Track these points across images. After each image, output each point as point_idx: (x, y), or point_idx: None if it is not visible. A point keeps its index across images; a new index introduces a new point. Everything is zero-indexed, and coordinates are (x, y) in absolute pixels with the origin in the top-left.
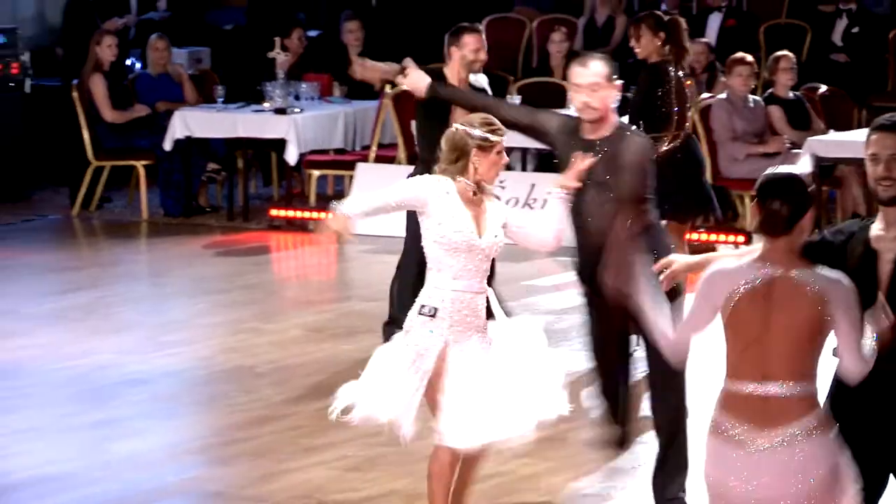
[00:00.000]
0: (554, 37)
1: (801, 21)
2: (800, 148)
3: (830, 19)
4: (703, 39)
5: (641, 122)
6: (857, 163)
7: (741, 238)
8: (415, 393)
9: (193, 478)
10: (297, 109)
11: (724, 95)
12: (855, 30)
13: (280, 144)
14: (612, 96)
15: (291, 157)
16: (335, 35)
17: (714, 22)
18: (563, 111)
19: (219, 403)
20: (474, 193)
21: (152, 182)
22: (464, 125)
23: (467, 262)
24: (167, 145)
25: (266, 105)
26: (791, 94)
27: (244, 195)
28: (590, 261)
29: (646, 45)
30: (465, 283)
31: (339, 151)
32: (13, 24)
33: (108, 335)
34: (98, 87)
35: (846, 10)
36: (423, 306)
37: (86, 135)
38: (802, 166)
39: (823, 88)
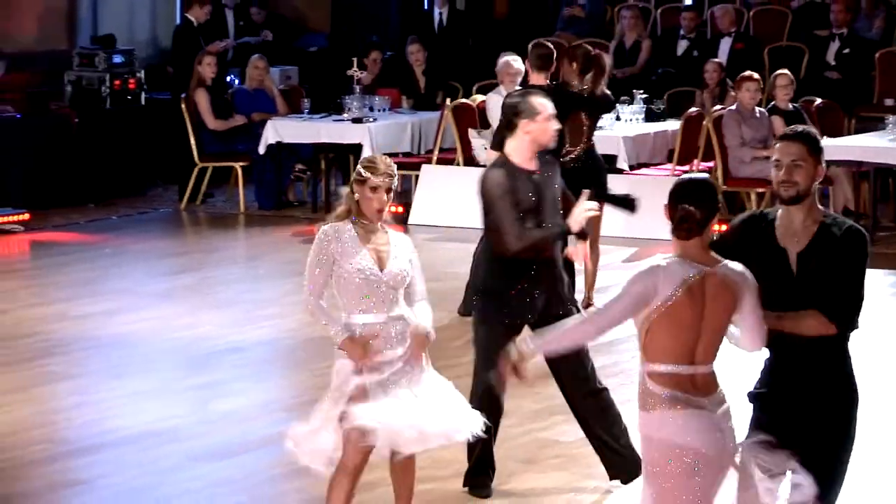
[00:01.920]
0: None
1: (799, 43)
2: None
3: (825, 42)
4: (716, 59)
5: None
6: (847, 164)
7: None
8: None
9: (282, 431)
10: (371, 119)
11: (733, 107)
12: (846, 51)
13: (357, 148)
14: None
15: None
16: (403, 56)
17: (725, 45)
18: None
19: (303, 368)
20: (368, 230)
21: (248, 180)
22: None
23: (372, 295)
24: (261, 149)
25: (345, 115)
26: (791, 106)
27: (326, 191)
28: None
29: (568, 73)
30: (372, 316)
31: (406, 154)
32: (131, 46)
33: (210, 310)
34: (202, 100)
35: (839, 33)
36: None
37: (192, 140)
38: None
39: (818, 101)
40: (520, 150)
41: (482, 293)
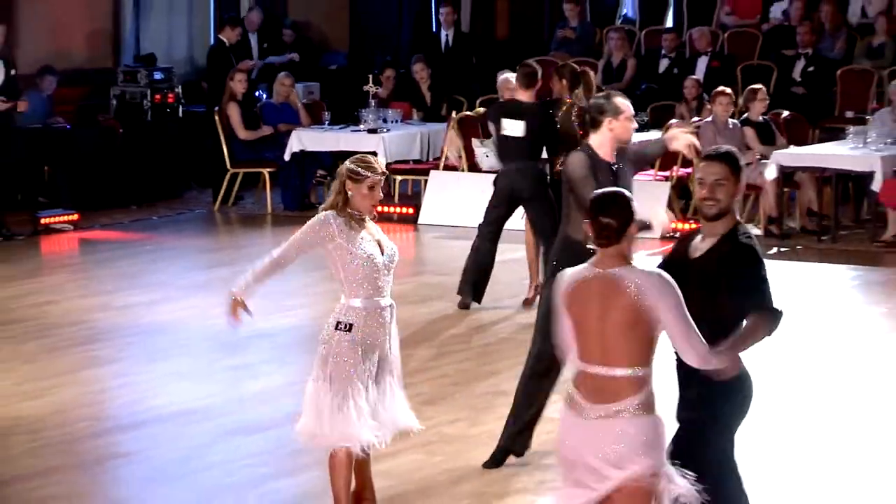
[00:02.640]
0: None
1: (769, 62)
2: (767, 159)
3: (791, 61)
4: (694, 76)
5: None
6: (811, 170)
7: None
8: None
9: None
10: (385, 129)
11: (709, 119)
12: (811, 69)
13: (372, 155)
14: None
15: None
16: (412, 73)
17: (702, 63)
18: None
19: None
20: (358, 220)
21: (275, 184)
22: (348, 162)
23: (374, 280)
24: (286, 156)
25: (361, 126)
26: (761, 118)
27: None
28: None
29: (559, 90)
30: (371, 301)
31: (416, 161)
32: (169, 65)
33: None
34: (233, 112)
35: (804, 53)
36: (339, 322)
37: (224, 149)
38: (769, 172)
39: (786, 113)
40: (603, 144)
41: (554, 267)
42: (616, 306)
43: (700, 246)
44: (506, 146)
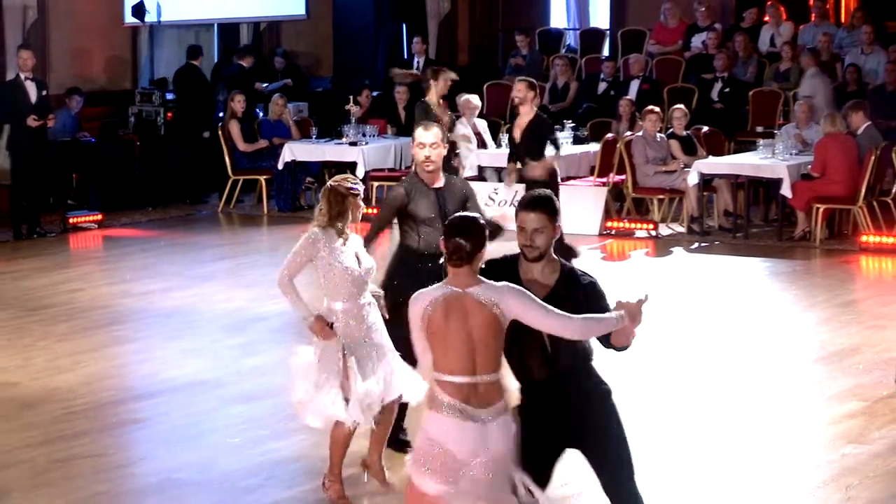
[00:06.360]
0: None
1: (691, 85)
2: (690, 167)
3: (710, 83)
4: (627, 97)
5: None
6: (727, 177)
7: (651, 226)
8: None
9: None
10: (364, 142)
11: (640, 133)
12: (726, 90)
13: (353, 165)
14: (443, 154)
15: (360, 173)
16: (388, 95)
17: (634, 86)
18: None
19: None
20: (345, 234)
21: (270, 189)
22: (338, 183)
23: (352, 286)
24: (280, 165)
25: (343, 140)
26: (684, 132)
27: None
28: (421, 277)
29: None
30: (350, 303)
31: (391, 170)
32: None
33: (241, 288)
34: (234, 128)
35: (721, 77)
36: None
37: (227, 159)
38: (692, 179)
39: (705, 128)
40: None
41: (392, 284)
42: (478, 322)
43: (537, 282)
44: None
